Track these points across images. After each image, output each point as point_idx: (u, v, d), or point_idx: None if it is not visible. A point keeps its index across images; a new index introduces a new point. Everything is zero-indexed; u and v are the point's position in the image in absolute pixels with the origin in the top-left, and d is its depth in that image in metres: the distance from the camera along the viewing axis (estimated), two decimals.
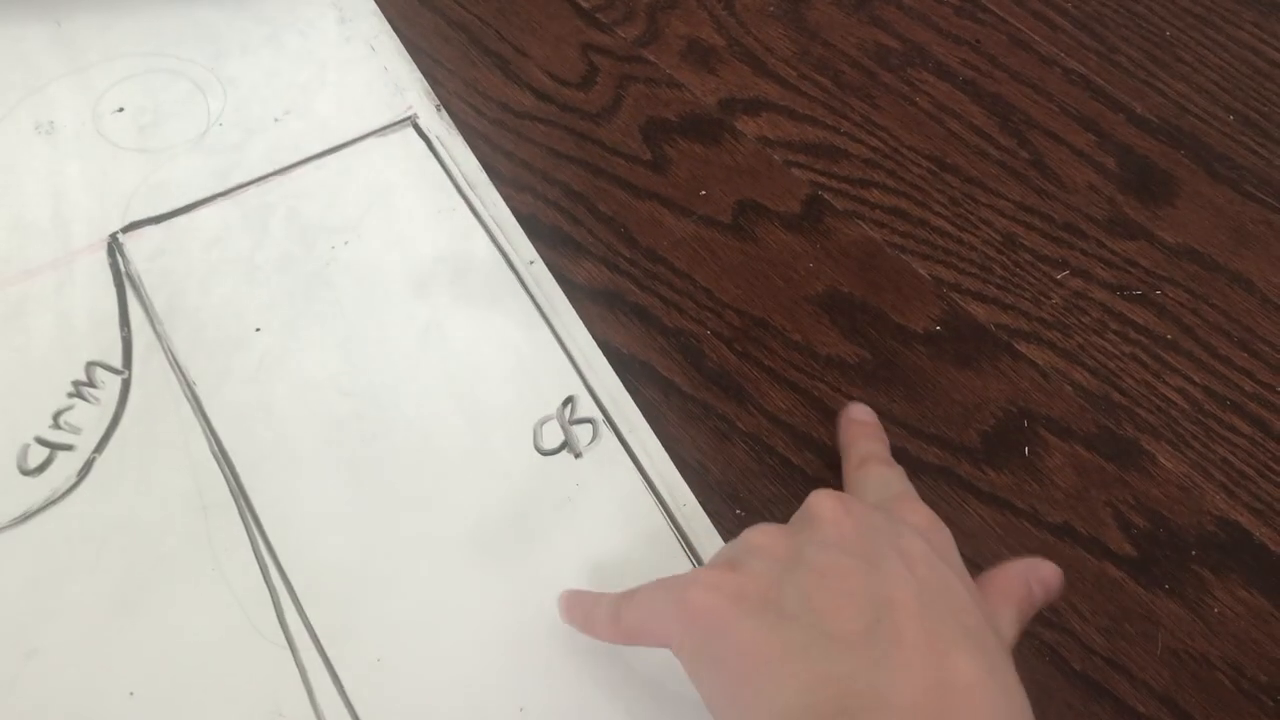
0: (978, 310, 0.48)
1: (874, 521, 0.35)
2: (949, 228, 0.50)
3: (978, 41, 0.57)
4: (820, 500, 0.35)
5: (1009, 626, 0.35)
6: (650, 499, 0.43)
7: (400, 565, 0.41)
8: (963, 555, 0.42)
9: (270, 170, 0.49)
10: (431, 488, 0.43)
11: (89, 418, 0.44)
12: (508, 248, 0.48)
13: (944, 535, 0.36)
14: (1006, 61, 0.57)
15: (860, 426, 0.44)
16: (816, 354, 0.47)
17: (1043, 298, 0.49)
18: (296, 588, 0.40)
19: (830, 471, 0.44)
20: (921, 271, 0.49)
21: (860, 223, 0.50)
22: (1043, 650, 0.41)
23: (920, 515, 0.36)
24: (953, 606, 0.32)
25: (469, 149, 0.51)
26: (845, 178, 0.52)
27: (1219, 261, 0.50)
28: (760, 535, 0.35)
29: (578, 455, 0.44)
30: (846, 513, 0.35)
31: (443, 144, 0.51)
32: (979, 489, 0.44)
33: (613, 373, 0.45)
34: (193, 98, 0.52)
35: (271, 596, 0.40)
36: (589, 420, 0.44)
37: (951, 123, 0.54)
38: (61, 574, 0.41)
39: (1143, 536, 0.43)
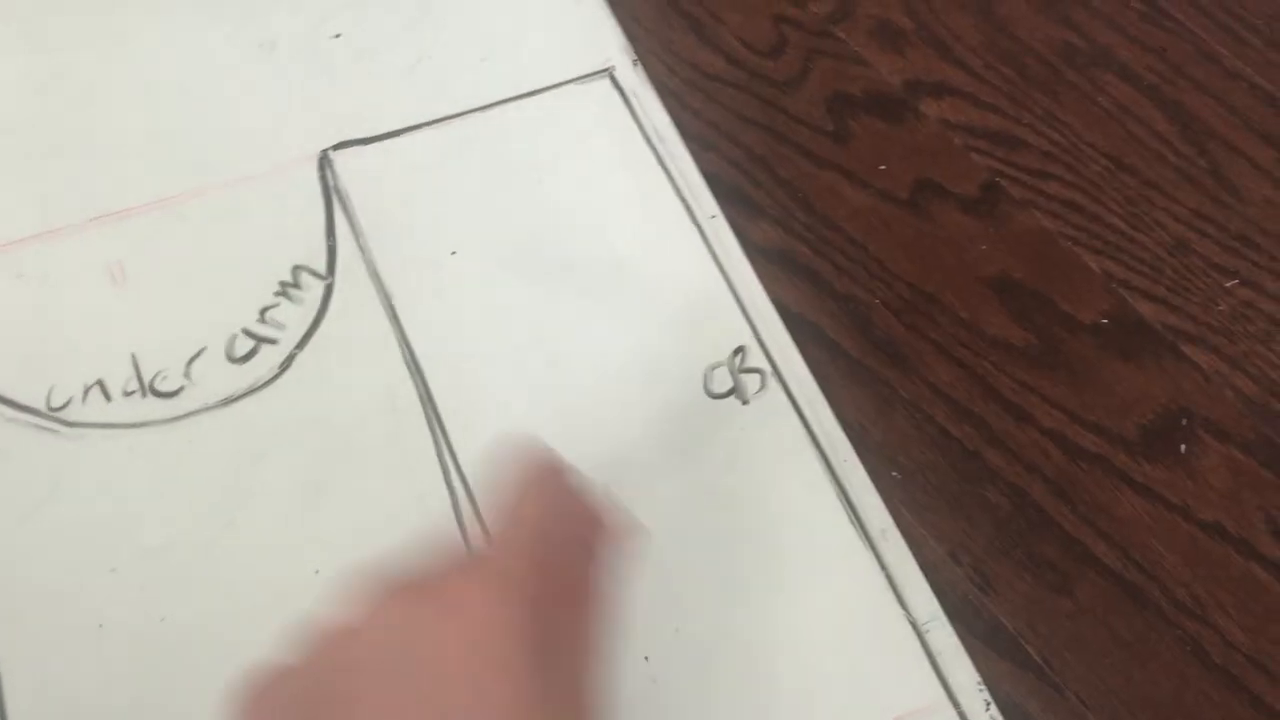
0: (1145, 308, 0.49)
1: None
2: (1123, 225, 0.51)
3: (1164, 50, 0.58)
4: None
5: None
6: (812, 450, 0.44)
7: None
8: (1112, 543, 0.43)
9: (474, 106, 0.52)
10: (605, 418, 0.45)
11: (293, 316, 0.47)
12: (691, 201, 0.50)
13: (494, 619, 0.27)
14: (1191, 71, 0.57)
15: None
16: (984, 333, 0.48)
17: (1211, 303, 0.49)
18: (475, 493, 0.43)
19: (989, 446, 0.45)
20: (1093, 265, 0.50)
21: (1036, 212, 0.51)
22: (1184, 640, 0.42)
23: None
24: None
25: (660, 105, 0.53)
26: (1024, 167, 0.53)
27: None
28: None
29: (745, 402, 0.45)
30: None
31: (636, 98, 0.53)
32: (1133, 480, 0.45)
33: (783, 328, 0.47)
34: (406, 31, 0.55)
35: (451, 498, 0.43)
36: (758, 370, 0.46)
37: (1132, 125, 0.55)
38: (260, 456, 0.44)
39: None
